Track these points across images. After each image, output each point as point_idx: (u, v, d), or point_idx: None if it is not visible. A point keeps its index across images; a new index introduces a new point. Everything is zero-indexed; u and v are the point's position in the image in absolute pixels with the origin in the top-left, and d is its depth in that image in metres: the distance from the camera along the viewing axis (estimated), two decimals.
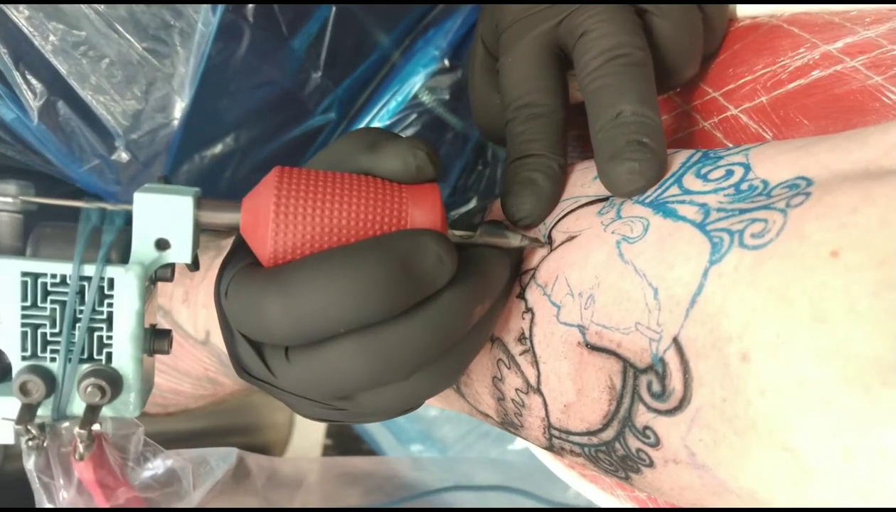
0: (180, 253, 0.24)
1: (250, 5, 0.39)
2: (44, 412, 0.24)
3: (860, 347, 0.17)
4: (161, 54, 0.38)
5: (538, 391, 0.26)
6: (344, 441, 0.97)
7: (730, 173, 0.23)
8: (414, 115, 0.46)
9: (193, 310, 0.41)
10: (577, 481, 0.33)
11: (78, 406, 0.24)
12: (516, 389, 0.27)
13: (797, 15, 0.30)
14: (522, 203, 0.28)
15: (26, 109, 0.38)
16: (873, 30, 0.27)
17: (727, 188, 0.23)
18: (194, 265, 0.25)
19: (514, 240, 0.27)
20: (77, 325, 0.23)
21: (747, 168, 0.23)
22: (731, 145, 0.29)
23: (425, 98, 0.46)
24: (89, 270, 0.23)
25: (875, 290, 0.17)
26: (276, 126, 0.45)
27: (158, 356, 0.35)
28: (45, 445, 0.24)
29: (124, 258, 0.23)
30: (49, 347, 0.23)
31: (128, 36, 0.37)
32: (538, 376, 0.26)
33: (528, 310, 0.27)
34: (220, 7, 0.36)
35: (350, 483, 0.54)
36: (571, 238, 0.26)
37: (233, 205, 0.24)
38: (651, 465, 0.23)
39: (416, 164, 0.24)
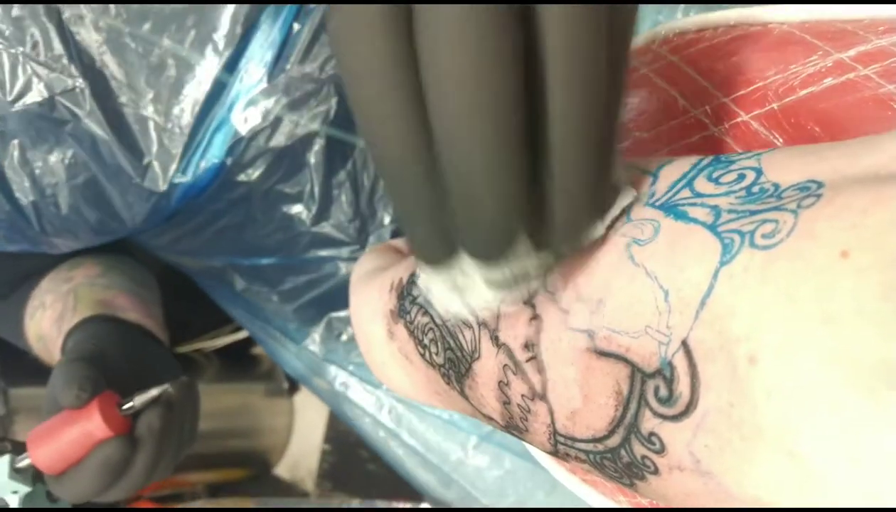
0: None
1: None
2: None
3: (867, 350, 0.17)
4: None
5: (544, 398, 0.26)
6: (342, 447, 0.96)
7: (742, 177, 0.23)
8: None
9: None
10: (578, 486, 0.33)
11: None
12: (522, 395, 0.27)
13: (809, 22, 0.30)
14: None
15: None
16: (886, 39, 0.27)
17: (738, 191, 0.22)
18: None
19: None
20: None
21: (759, 172, 0.23)
22: (741, 151, 0.29)
23: None
24: None
25: (883, 291, 0.17)
26: None
27: None
28: None
29: None
30: None
31: None
32: (544, 383, 0.26)
33: (536, 316, 0.26)
34: None
35: None
36: None
37: None
38: (656, 472, 0.23)
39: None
